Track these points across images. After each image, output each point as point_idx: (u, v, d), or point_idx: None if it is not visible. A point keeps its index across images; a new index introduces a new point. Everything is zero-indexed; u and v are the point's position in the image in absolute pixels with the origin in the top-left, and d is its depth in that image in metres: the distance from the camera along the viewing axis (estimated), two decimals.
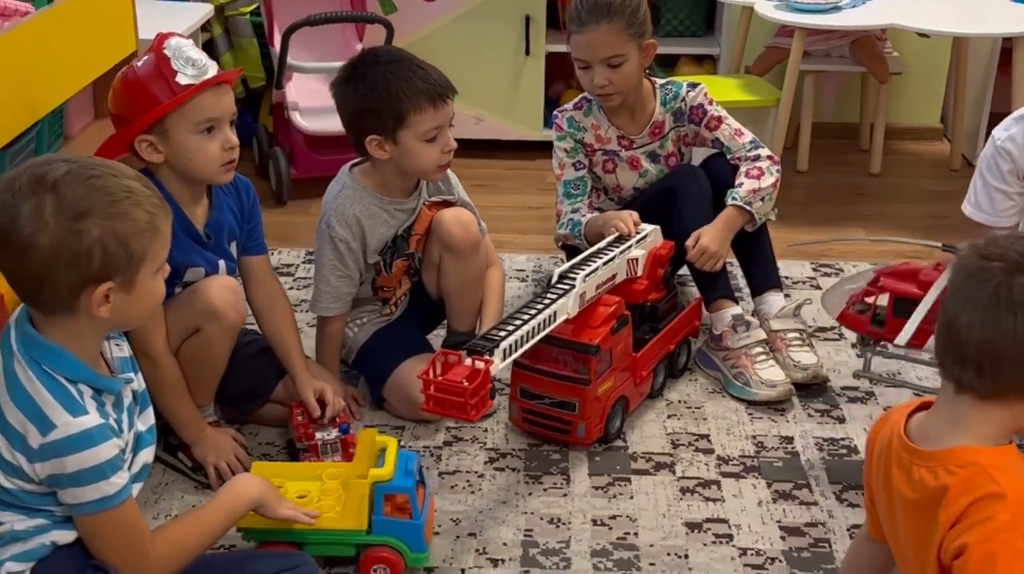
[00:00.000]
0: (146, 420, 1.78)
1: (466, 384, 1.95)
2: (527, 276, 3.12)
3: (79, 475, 1.58)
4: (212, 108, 2.08)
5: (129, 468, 1.69)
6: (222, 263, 2.22)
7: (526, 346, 2.13)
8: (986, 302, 1.40)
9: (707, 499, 2.18)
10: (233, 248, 2.27)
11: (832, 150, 4.09)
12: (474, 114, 3.93)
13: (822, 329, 2.83)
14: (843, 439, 2.37)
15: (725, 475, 2.25)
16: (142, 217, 1.61)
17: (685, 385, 2.58)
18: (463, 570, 1.99)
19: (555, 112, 2.79)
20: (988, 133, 3.82)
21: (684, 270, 2.74)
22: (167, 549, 1.70)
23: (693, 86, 2.73)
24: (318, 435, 2.19)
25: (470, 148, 3.89)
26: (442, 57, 3.83)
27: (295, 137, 3.59)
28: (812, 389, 2.55)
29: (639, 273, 2.47)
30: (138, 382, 1.77)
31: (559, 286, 2.25)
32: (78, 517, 1.63)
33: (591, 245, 2.51)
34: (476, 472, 2.26)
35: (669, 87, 2.74)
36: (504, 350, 2.05)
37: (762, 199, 2.61)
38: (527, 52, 3.90)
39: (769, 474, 2.26)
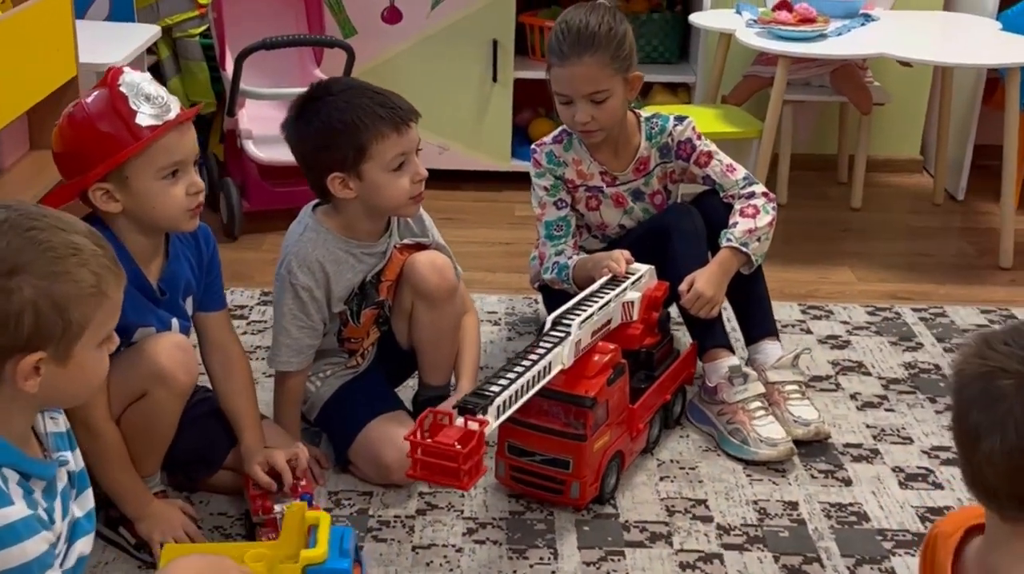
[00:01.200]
0: (84, 505, 1.55)
1: (459, 447, 1.74)
2: (500, 319, 2.91)
3: None
4: (176, 150, 1.85)
5: (62, 563, 1.46)
6: (175, 322, 1.99)
7: (520, 402, 1.93)
8: (1004, 427, 1.17)
9: None
10: (188, 304, 2.04)
11: (810, 183, 3.94)
12: (438, 143, 3.73)
13: (817, 378, 2.65)
14: (851, 504, 2.18)
15: (727, 547, 2.05)
16: (86, 279, 1.39)
17: (676, 442, 2.38)
18: None
19: (533, 146, 2.59)
20: (972, 166, 3.76)
21: (673, 310, 2.55)
22: None
23: (680, 119, 2.55)
24: (277, 508, 1.95)
25: (434, 179, 3.58)
26: (405, 83, 3.67)
27: (248, 167, 3.36)
28: (813, 446, 2.36)
29: (634, 317, 2.28)
30: (75, 462, 1.54)
31: (553, 334, 2.05)
32: None
33: (580, 289, 2.31)
34: (454, 545, 2.04)
35: (655, 121, 2.55)
36: (498, 407, 1.84)
37: (759, 239, 2.42)
38: (494, 79, 3.71)
39: (775, 546, 2.06)
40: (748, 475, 2.27)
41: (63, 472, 1.50)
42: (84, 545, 1.52)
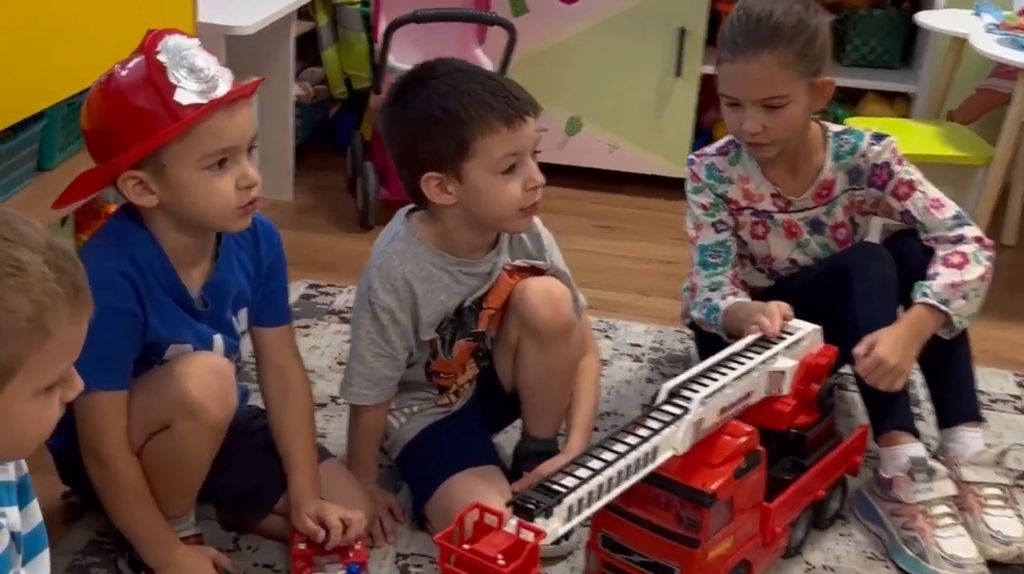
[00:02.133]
0: (36, 571, 1.23)
1: (502, 563, 1.34)
2: (643, 354, 2.47)
3: None
4: (225, 135, 1.51)
5: None
6: (218, 339, 1.66)
7: (605, 498, 1.50)
8: None
9: None
10: (242, 317, 1.72)
11: None
12: (608, 140, 3.34)
13: None
14: None
15: None
16: (22, 309, 1.07)
17: (835, 542, 1.90)
18: None
19: (691, 156, 2.16)
20: None
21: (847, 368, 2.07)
22: None
23: (879, 138, 2.06)
24: None
25: (598, 180, 3.33)
26: (576, 70, 3.30)
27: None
28: (1013, 570, 1.85)
29: (784, 390, 1.81)
30: (22, 520, 1.22)
31: (666, 410, 1.62)
32: None
33: (732, 338, 1.87)
34: None
35: (846, 137, 2.07)
36: (570, 508, 1.43)
37: (964, 297, 1.92)
38: (678, 72, 3.28)
39: None
40: None
41: (2, 534, 1.18)
42: None
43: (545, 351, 1.82)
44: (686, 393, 1.63)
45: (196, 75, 1.48)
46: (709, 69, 3.25)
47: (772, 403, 1.82)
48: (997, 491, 1.90)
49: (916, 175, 2.05)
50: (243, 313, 1.71)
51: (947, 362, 2.00)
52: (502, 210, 1.72)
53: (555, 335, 1.80)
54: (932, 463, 1.88)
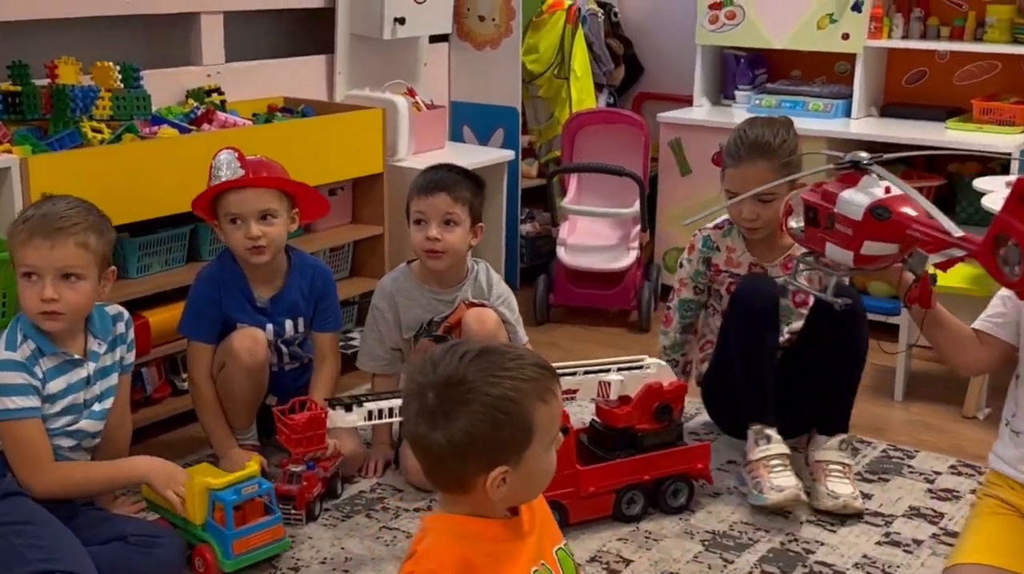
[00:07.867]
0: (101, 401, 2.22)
1: (296, 418, 2.23)
2: None
3: None
4: (233, 205, 2.56)
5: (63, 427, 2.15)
6: (269, 326, 2.63)
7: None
8: None
9: None
10: (300, 322, 2.67)
11: None
12: None
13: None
14: None
15: None
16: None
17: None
18: None
19: (695, 231, 2.74)
20: None
21: None
22: (57, 475, 2.14)
23: None
24: (290, 466, 2.40)
25: None
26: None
27: (560, 267, 3.80)
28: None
29: (610, 397, 2.39)
30: (104, 382, 2.22)
31: None
32: None
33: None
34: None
35: None
36: (370, 411, 2.22)
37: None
38: None
39: None
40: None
41: (83, 370, 2.15)
42: (87, 425, 2.18)
43: None
44: None
45: (221, 171, 2.55)
46: None
47: (614, 407, 2.40)
48: (838, 467, 2.37)
49: None
50: (300, 320, 2.64)
51: (836, 385, 2.50)
52: (416, 248, 2.62)
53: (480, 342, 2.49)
54: (769, 432, 2.38)
